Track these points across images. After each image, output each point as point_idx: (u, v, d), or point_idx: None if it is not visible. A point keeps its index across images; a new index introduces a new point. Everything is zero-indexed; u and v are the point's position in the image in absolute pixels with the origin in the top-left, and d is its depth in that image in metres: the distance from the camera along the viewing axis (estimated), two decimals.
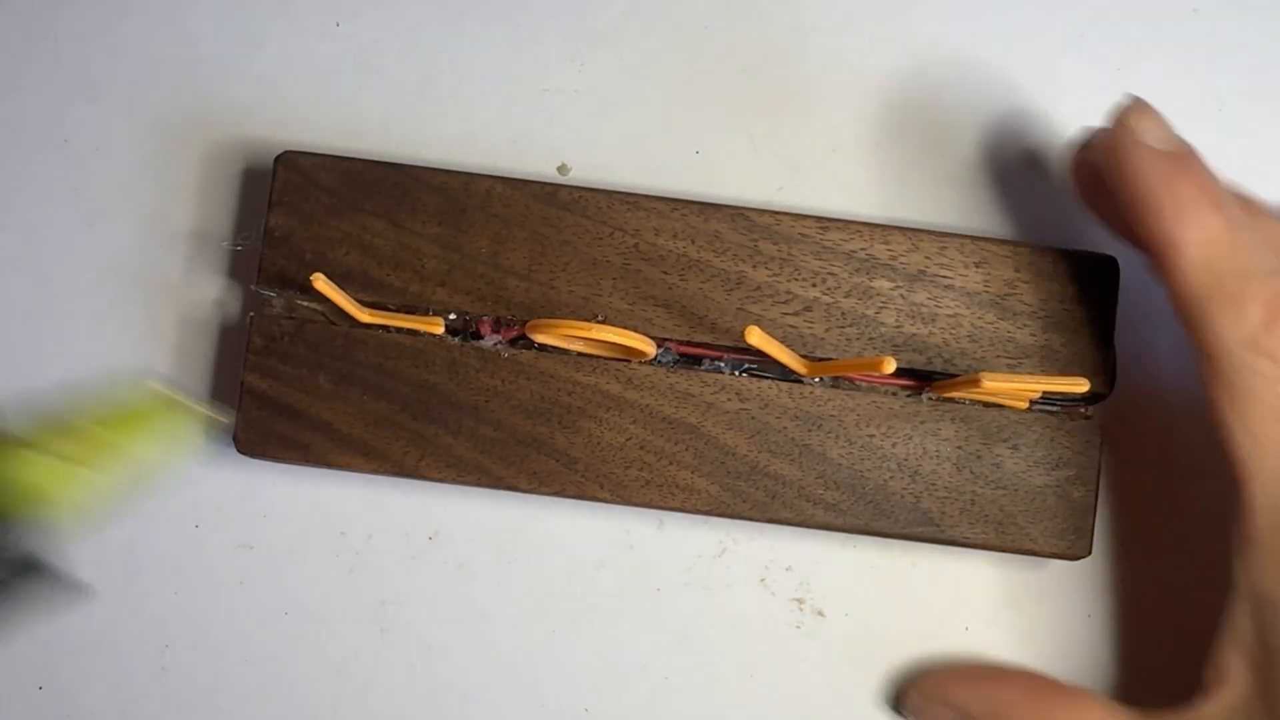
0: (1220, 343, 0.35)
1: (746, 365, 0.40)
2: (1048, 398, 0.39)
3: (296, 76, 0.43)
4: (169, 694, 0.41)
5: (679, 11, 0.43)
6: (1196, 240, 0.34)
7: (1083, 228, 0.42)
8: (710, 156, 0.43)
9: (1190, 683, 0.37)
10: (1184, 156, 0.35)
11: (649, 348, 0.38)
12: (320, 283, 0.36)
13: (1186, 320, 0.35)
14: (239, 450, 0.39)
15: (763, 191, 0.43)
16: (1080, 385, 0.36)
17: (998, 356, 0.39)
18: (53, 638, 0.41)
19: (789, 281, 0.39)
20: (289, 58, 0.43)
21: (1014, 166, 0.43)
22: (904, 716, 0.41)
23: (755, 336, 0.35)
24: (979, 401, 0.39)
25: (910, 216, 0.42)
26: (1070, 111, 0.43)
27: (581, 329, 0.37)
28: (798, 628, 0.42)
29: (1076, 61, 0.43)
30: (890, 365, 0.34)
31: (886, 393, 0.39)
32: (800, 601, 0.42)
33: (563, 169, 0.43)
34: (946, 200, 0.43)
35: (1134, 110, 0.36)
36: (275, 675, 0.41)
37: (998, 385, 0.36)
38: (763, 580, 0.42)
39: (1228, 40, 0.43)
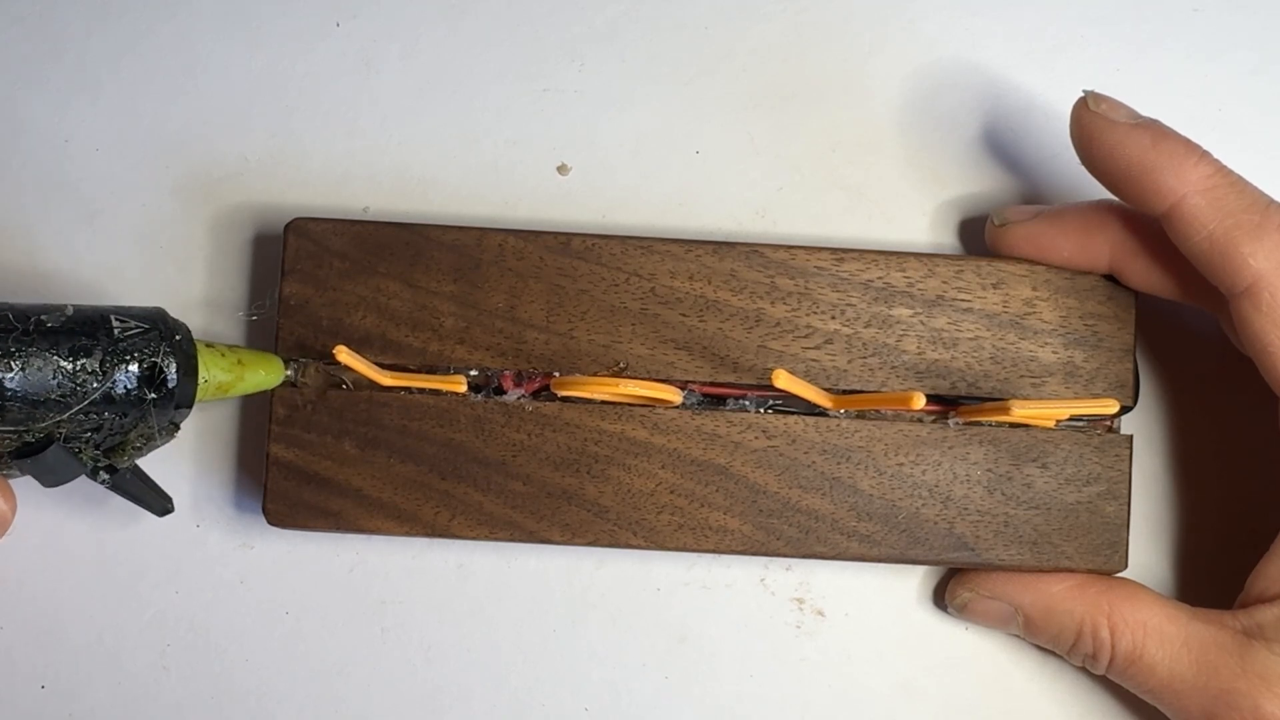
0: (1257, 275, 0.35)
1: (771, 402, 0.40)
2: (1075, 417, 0.39)
3: (296, 77, 0.43)
4: (169, 694, 0.41)
5: (679, 11, 0.43)
6: (1199, 188, 0.35)
7: None
8: (710, 156, 0.43)
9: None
10: (1156, 123, 0.37)
11: (675, 396, 0.38)
12: (344, 354, 0.36)
13: (1214, 266, 0.36)
14: (269, 522, 0.39)
15: (763, 191, 0.43)
16: (1109, 406, 0.36)
17: (1021, 377, 0.39)
18: (54, 637, 0.41)
19: (808, 315, 0.39)
20: (289, 58, 0.43)
21: (1013, 166, 0.43)
22: (952, 612, 0.41)
23: (783, 380, 0.35)
24: (1005, 422, 0.39)
25: (912, 215, 0.43)
26: (1070, 111, 0.43)
27: (608, 385, 0.37)
28: (798, 628, 0.42)
29: (1076, 61, 0.43)
30: (920, 401, 0.35)
31: (913, 420, 0.39)
32: (800, 601, 0.42)
33: (563, 169, 0.43)
34: (946, 198, 0.43)
35: (1094, 99, 0.37)
36: (275, 675, 0.42)
37: (1027, 412, 0.36)
38: (763, 580, 0.42)
39: (1228, 40, 0.43)
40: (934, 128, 0.43)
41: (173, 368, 0.35)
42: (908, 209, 0.43)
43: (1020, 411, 0.36)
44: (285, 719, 0.41)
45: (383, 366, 0.39)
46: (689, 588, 0.42)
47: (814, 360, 0.39)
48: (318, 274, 0.39)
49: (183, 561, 0.42)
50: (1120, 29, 0.43)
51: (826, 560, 0.39)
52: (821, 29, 0.43)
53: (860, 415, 0.39)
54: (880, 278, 0.39)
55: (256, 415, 0.42)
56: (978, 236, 0.42)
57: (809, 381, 0.38)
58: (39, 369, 0.33)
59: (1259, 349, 0.36)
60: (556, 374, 0.39)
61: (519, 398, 0.39)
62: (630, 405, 0.39)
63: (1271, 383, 0.36)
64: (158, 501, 0.38)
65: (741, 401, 0.40)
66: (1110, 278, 0.39)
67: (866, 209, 0.43)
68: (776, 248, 0.39)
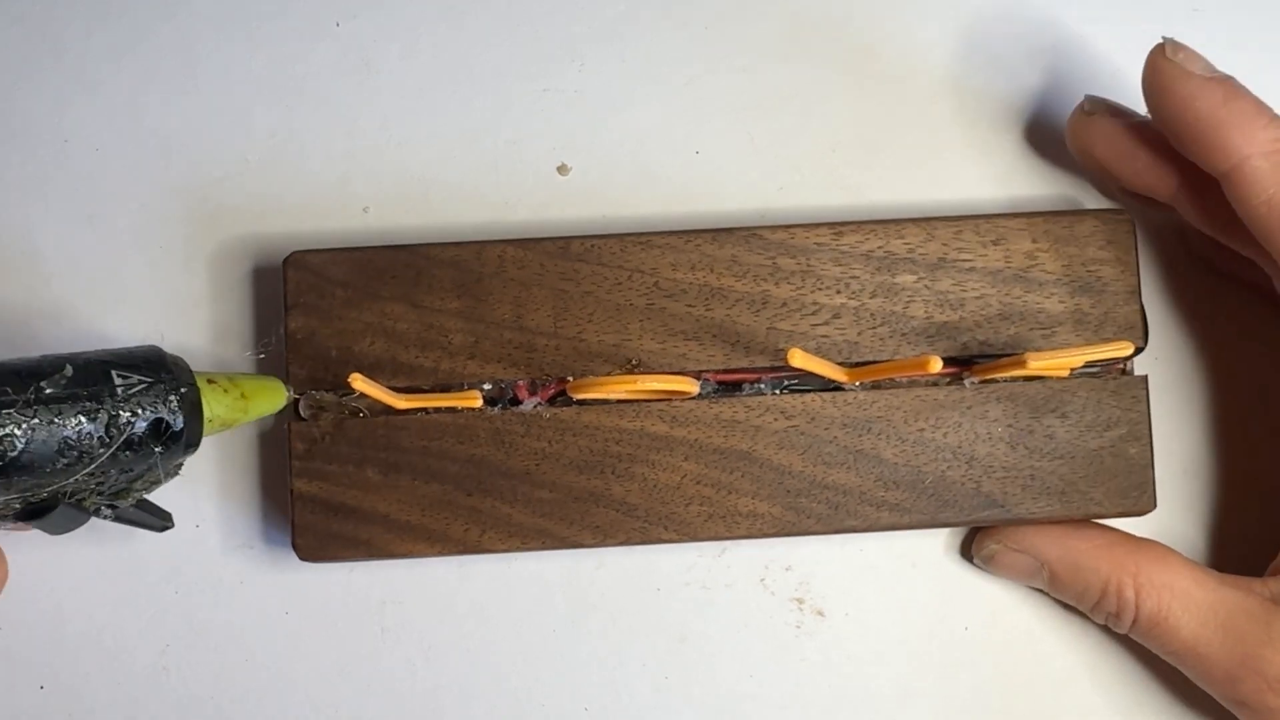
0: None
1: (787, 382, 0.40)
2: (1090, 363, 0.39)
3: (296, 77, 0.43)
4: (169, 694, 0.41)
5: (679, 11, 0.43)
6: (1265, 150, 0.35)
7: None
8: (710, 156, 0.43)
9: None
10: (1230, 80, 0.36)
11: (691, 387, 0.38)
12: (358, 382, 0.36)
13: (1270, 231, 0.36)
14: (301, 558, 0.39)
15: (763, 191, 0.43)
16: (1124, 349, 0.36)
17: (1031, 329, 0.39)
18: (54, 637, 0.41)
19: (813, 292, 0.39)
20: (288, 58, 0.43)
21: (1013, 166, 0.43)
22: (979, 564, 0.41)
23: (798, 358, 0.35)
24: (1020, 377, 0.39)
25: (911, 216, 0.42)
26: (1069, 111, 0.42)
27: (624, 383, 0.37)
28: (798, 628, 0.42)
29: (1076, 62, 0.43)
30: (936, 364, 0.35)
31: (929, 384, 0.39)
32: (800, 601, 0.42)
33: (563, 169, 0.43)
34: (945, 199, 0.43)
35: (1172, 46, 0.37)
36: (275, 675, 0.41)
37: (1043, 363, 0.36)
38: (763, 580, 0.42)
39: (1228, 40, 0.43)
40: (934, 128, 0.43)
41: (179, 419, 0.34)
42: (908, 209, 0.42)
43: (1036, 364, 0.36)
44: (285, 719, 0.41)
45: (396, 390, 0.39)
46: (689, 588, 0.42)
47: (824, 336, 0.39)
48: (321, 305, 0.39)
49: (183, 561, 0.42)
50: (1120, 29, 0.43)
51: (858, 534, 0.39)
52: (822, 29, 0.43)
53: (876, 386, 0.39)
54: (880, 247, 0.39)
55: (275, 464, 0.42)
56: None
57: (822, 357, 0.38)
58: (44, 441, 0.32)
59: None
60: (570, 378, 0.39)
61: (535, 406, 0.39)
62: (647, 401, 0.39)
63: None
64: (157, 521, 0.37)
65: (757, 385, 0.40)
66: (1111, 218, 0.39)
67: (867, 209, 0.43)
68: (775, 228, 0.39)
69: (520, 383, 0.39)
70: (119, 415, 0.33)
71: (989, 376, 0.39)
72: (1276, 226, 0.35)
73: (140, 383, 0.34)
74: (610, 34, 0.43)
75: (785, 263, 0.39)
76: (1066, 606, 0.41)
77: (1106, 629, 0.40)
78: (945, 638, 0.42)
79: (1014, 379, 0.39)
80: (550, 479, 0.39)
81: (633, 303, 0.39)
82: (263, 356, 0.42)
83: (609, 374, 0.39)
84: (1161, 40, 0.37)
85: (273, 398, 0.38)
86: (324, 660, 0.41)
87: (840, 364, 0.39)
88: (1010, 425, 0.39)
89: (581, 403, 0.39)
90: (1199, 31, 0.43)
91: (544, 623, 0.42)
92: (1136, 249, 0.40)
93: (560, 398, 0.40)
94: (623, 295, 0.39)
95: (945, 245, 0.39)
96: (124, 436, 0.33)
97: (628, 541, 0.39)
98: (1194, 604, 0.37)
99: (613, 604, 0.42)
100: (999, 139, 0.43)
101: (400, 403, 0.38)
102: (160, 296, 0.42)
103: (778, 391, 0.40)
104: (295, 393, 0.39)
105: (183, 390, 0.35)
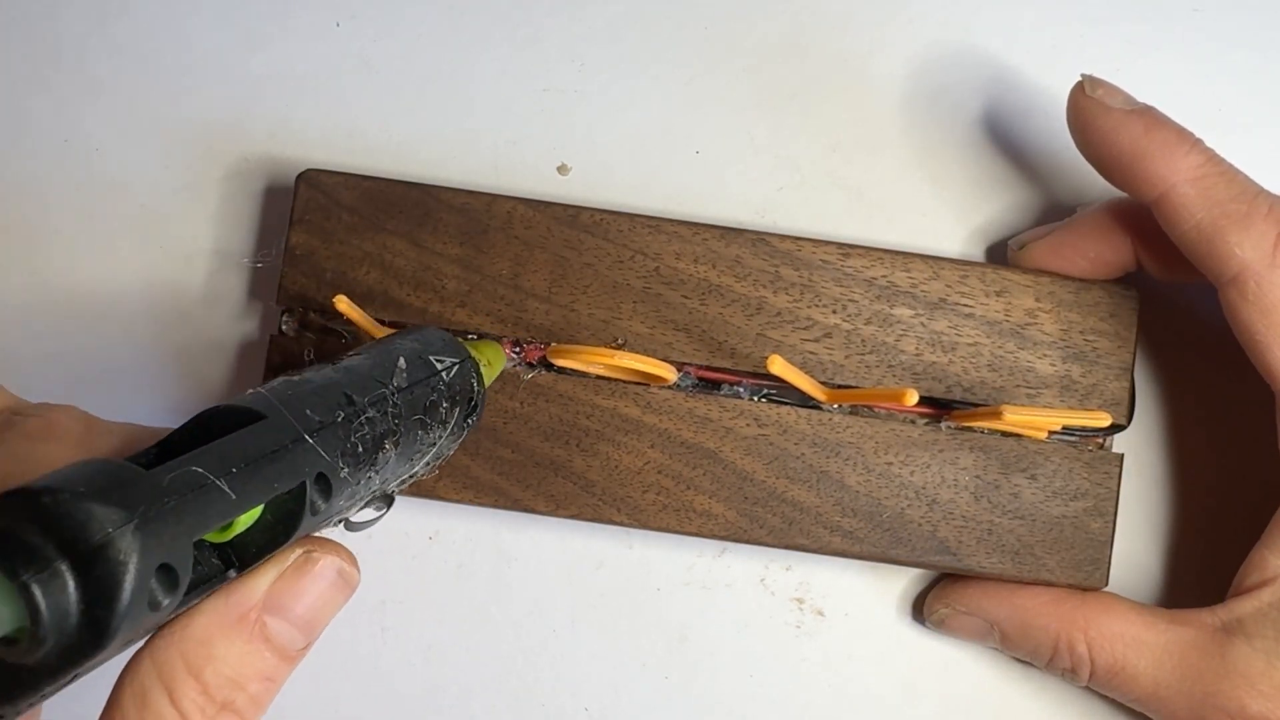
0: (1243, 264, 0.35)
1: (766, 391, 0.40)
2: (1067, 429, 0.39)
3: (296, 77, 0.43)
4: None
5: (679, 11, 0.43)
6: (1189, 177, 0.36)
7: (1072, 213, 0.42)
8: (710, 156, 0.43)
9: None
10: (1151, 110, 0.37)
11: (670, 374, 0.38)
12: (343, 304, 0.36)
13: (1201, 255, 0.36)
14: None
15: (763, 190, 0.43)
16: (1101, 419, 0.36)
17: (1017, 386, 0.39)
18: None
19: (809, 308, 0.39)
20: (288, 58, 0.43)
21: (1013, 166, 0.43)
22: (929, 626, 0.41)
23: (778, 366, 0.35)
24: (998, 431, 0.39)
25: (910, 217, 0.43)
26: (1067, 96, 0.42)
27: (604, 355, 0.37)
28: (798, 628, 0.42)
29: (1077, 62, 0.43)
30: (913, 397, 0.34)
31: (905, 420, 0.39)
32: (800, 601, 0.42)
33: (563, 169, 0.43)
34: (944, 199, 0.43)
35: (1091, 83, 0.37)
36: None
37: (1019, 418, 0.36)
38: (763, 580, 0.42)
39: (1228, 40, 0.43)
40: (934, 128, 0.43)
41: (482, 394, 0.34)
42: (907, 210, 0.43)
43: (1011, 417, 0.36)
44: (285, 718, 0.41)
45: (382, 323, 0.39)
46: (689, 588, 0.42)
47: (811, 353, 0.39)
48: (326, 226, 0.39)
49: None
50: (1120, 29, 0.43)
51: (808, 553, 0.39)
52: (822, 29, 0.43)
53: (853, 411, 0.39)
54: (884, 276, 0.39)
55: (248, 378, 0.42)
56: (976, 237, 0.43)
57: (805, 373, 0.38)
58: (410, 434, 0.31)
59: (1246, 338, 0.36)
60: (554, 344, 0.39)
61: (515, 366, 0.39)
62: (625, 383, 0.39)
63: (1260, 370, 0.36)
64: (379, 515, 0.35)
65: (736, 388, 0.40)
66: (1118, 293, 0.39)
67: (866, 209, 0.43)
68: (784, 238, 0.39)
69: (505, 340, 0.39)
70: (451, 401, 0.32)
71: (966, 424, 0.39)
72: (1206, 250, 0.36)
73: (452, 364, 0.33)
74: (610, 34, 0.43)
75: (788, 273, 0.39)
76: None
77: None
78: (945, 638, 0.42)
79: (991, 431, 0.39)
80: (515, 440, 0.39)
81: (630, 283, 0.39)
82: (260, 266, 0.42)
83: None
84: (1081, 78, 0.37)
85: (498, 360, 0.38)
86: (324, 660, 0.41)
87: (822, 383, 0.39)
88: (978, 476, 0.39)
89: (560, 371, 0.39)
90: (1199, 31, 0.43)
91: (544, 623, 0.42)
92: (1138, 327, 0.39)
93: (540, 362, 0.40)
94: (622, 274, 0.39)
95: (949, 287, 0.39)
96: (455, 418, 0.33)
97: (579, 516, 0.39)
98: (1148, 649, 0.37)
99: (613, 604, 0.42)
100: (999, 140, 0.43)
101: (381, 333, 0.39)
102: (161, 296, 0.42)
103: (755, 398, 0.40)
104: (281, 306, 0.39)
105: (478, 366, 0.34)
